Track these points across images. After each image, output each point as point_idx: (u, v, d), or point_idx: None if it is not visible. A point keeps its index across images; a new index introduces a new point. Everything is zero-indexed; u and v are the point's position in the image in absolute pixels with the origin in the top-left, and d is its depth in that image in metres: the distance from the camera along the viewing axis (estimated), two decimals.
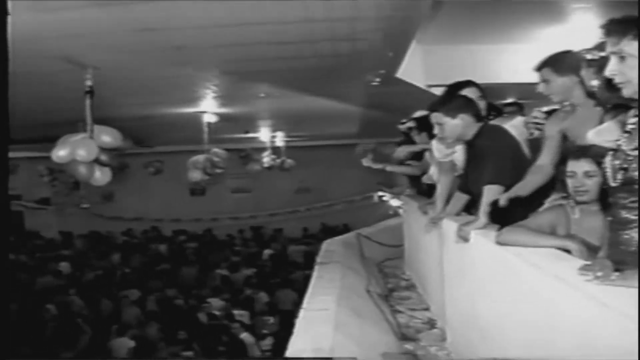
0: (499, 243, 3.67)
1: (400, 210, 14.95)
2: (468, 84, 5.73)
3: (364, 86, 11.89)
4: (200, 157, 16.19)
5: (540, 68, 4.42)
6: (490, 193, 4.47)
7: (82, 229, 30.73)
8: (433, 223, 5.58)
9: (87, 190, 24.53)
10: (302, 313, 4.66)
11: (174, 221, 31.27)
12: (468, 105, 5.10)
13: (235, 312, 14.50)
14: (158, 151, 25.48)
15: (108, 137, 9.26)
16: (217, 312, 14.76)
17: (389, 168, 8.57)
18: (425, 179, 7.40)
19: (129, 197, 31.11)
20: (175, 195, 30.62)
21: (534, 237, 3.52)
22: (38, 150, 22.70)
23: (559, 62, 4.36)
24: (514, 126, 5.31)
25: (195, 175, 16.27)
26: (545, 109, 5.00)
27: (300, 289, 16.01)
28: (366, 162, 8.56)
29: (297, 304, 14.20)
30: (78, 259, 23.21)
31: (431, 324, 5.91)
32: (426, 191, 7.25)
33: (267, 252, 23.05)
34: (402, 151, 7.88)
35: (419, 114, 7.42)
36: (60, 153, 9.27)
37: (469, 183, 5.20)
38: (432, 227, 5.64)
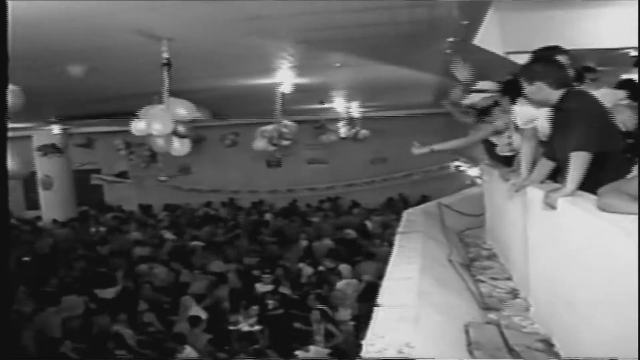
0: (601, 208, 3.56)
1: (478, 180, 14.78)
2: (554, 50, 5.59)
3: (440, 54, 11.73)
4: (267, 128, 16.20)
5: None
6: (579, 160, 4.35)
7: (161, 201, 31.20)
8: (516, 190, 5.47)
9: (165, 163, 24.82)
10: (385, 282, 4.61)
11: (251, 193, 31.51)
12: (545, 72, 4.95)
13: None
14: (234, 123, 25.60)
15: (183, 109, 9.29)
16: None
17: (436, 147, 8.42)
18: (498, 150, 7.27)
19: (206, 169, 31.47)
20: (251, 167, 30.83)
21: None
22: (115, 124, 23.03)
23: None
24: (603, 95, 5.18)
25: (261, 145, 16.28)
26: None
27: (381, 260, 16.10)
28: (415, 149, 8.41)
29: (380, 275, 14.24)
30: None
31: (514, 293, 5.82)
32: (505, 160, 7.12)
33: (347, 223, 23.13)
34: (476, 97, 7.64)
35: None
36: (138, 126, 9.35)
37: (554, 149, 5.07)
38: (515, 194, 5.53)
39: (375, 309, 3.91)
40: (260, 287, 15.15)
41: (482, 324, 4.70)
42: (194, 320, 13.25)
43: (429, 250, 6.07)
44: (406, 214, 8.82)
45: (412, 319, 3.61)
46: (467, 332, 4.27)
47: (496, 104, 7.14)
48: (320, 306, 13.30)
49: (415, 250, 5.78)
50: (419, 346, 3.16)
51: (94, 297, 15.09)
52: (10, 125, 5.62)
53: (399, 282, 4.55)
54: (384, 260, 15.04)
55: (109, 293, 15.38)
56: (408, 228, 7.32)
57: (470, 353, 3.87)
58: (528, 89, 5.00)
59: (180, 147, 9.67)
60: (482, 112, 7.57)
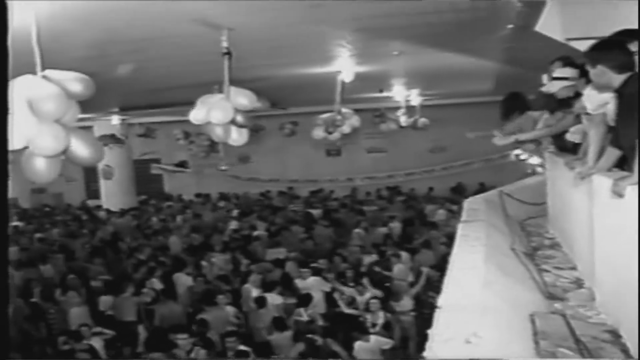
0: None
1: (539, 168, 14.59)
2: (626, 34, 5.47)
3: (500, 41, 11.64)
4: (324, 116, 16.18)
5: None
6: None
7: (220, 190, 31.42)
8: (582, 178, 5.38)
9: (224, 153, 24.97)
10: (449, 272, 4.57)
11: (310, 182, 31.55)
12: (608, 55, 4.86)
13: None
14: (293, 112, 25.63)
15: (243, 98, 9.32)
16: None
17: (522, 137, 8.29)
18: (569, 137, 7.13)
19: (265, 158, 31.61)
20: (310, 156, 30.92)
21: None
22: (175, 114, 23.20)
23: None
24: None
25: (319, 134, 16.28)
26: None
27: (440, 249, 16.04)
28: (497, 140, 8.29)
29: (436, 265, 14.15)
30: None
31: (578, 283, 5.74)
32: (571, 148, 6.99)
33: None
34: (556, 85, 7.42)
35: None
36: (197, 115, 9.39)
37: (619, 136, 4.97)
38: (580, 183, 5.44)
39: (440, 298, 3.88)
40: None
41: (547, 313, 4.64)
42: (260, 301, 13.56)
43: (492, 239, 6.01)
44: (467, 203, 8.76)
45: (478, 308, 3.57)
46: (532, 322, 4.22)
47: (577, 94, 6.95)
48: (378, 296, 13.30)
49: (479, 240, 5.73)
50: (486, 336, 3.13)
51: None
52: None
53: (464, 271, 4.51)
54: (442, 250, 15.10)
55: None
56: (470, 217, 7.26)
57: (536, 343, 3.82)
58: (592, 72, 4.94)
59: (238, 136, 9.71)
60: (563, 102, 7.41)
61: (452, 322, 3.35)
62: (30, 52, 5.87)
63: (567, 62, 7.20)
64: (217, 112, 9.01)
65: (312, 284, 14.30)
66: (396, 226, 20.53)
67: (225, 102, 9.14)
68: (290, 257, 16.84)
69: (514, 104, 8.94)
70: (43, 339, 13.22)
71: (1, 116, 3.22)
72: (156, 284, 15.25)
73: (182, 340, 11.49)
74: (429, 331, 3.19)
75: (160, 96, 18.62)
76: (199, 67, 12.18)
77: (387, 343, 11.96)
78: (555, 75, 7.10)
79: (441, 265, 13.59)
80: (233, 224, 22.24)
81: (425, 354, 2.89)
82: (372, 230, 19.83)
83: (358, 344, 11.65)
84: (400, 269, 15.06)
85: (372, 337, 11.79)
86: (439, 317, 3.48)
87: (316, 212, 23.94)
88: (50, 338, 13.31)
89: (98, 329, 12.88)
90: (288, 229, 20.78)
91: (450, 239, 15.72)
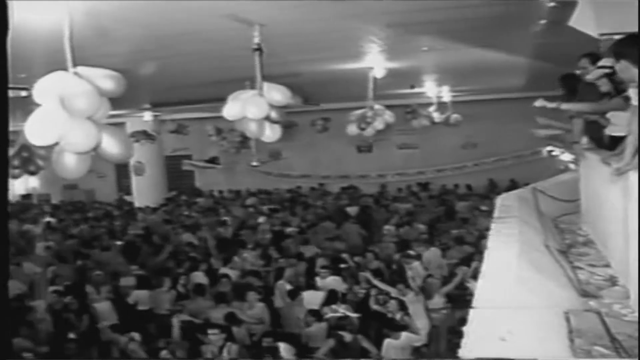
0: None
1: (571, 165, 14.48)
2: None
3: (532, 36, 11.56)
4: (358, 113, 16.16)
5: None
6: None
7: (251, 187, 31.51)
8: (619, 175, 5.31)
9: (256, 149, 25.07)
10: (483, 268, 4.54)
11: (341, 178, 31.57)
12: (629, 50, 4.83)
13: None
14: (324, 109, 25.61)
15: (278, 94, 9.30)
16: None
17: (564, 106, 8.14)
18: (608, 131, 7.03)
19: (297, 154, 31.65)
20: (342, 152, 30.94)
21: None
22: (206, 110, 23.28)
23: None
24: None
25: (353, 130, 16.26)
26: None
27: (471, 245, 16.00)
28: (539, 102, 8.16)
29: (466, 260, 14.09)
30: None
31: (613, 281, 5.67)
32: (607, 144, 6.90)
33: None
34: (597, 73, 7.30)
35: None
36: (231, 110, 9.37)
37: None
38: (616, 179, 5.38)
39: (474, 294, 3.86)
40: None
41: (582, 311, 4.59)
42: (294, 294, 13.73)
43: (525, 235, 5.96)
44: (500, 199, 8.70)
45: (512, 305, 3.55)
46: (567, 320, 4.18)
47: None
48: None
49: (512, 236, 5.68)
50: (520, 333, 3.10)
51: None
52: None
53: (497, 267, 4.48)
54: (474, 245, 15.03)
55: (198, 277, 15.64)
56: (503, 213, 7.21)
57: (571, 341, 3.78)
58: (617, 66, 4.92)
59: (271, 132, 9.70)
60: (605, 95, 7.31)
61: (487, 319, 3.33)
62: (63, 49, 5.88)
63: (595, 58, 7.15)
64: (252, 108, 8.98)
65: (330, 284, 14.21)
66: (426, 222, 20.46)
67: (260, 97, 9.12)
68: (321, 253, 16.83)
69: (573, 83, 8.77)
70: (85, 332, 13.25)
71: (1, 116, 3.22)
72: (197, 277, 15.44)
73: (214, 335, 11.51)
74: (464, 328, 3.16)
75: (191, 92, 18.70)
76: (230, 63, 12.20)
77: (418, 340, 11.88)
78: (600, 64, 7.03)
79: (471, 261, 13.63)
80: (262, 220, 22.27)
81: (460, 351, 2.86)
82: (404, 227, 19.76)
83: (387, 342, 11.56)
84: (416, 266, 15.00)
85: (403, 334, 11.69)
86: (473, 314, 3.45)
87: (348, 208, 23.90)
88: (93, 330, 13.37)
89: None
90: (319, 225, 20.78)
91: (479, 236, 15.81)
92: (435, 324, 12.89)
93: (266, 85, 9.18)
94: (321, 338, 12.11)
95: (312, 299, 13.67)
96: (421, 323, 12.49)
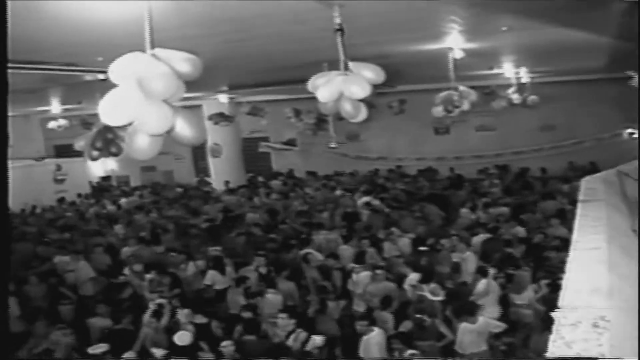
0: None
1: None
2: None
3: (615, 15, 11.28)
4: (442, 94, 15.99)
5: None
6: None
7: (327, 169, 31.54)
8: None
9: (334, 131, 25.04)
10: (572, 252, 4.42)
11: (418, 160, 31.44)
12: None
13: None
14: (401, 90, 25.43)
15: (370, 73, 9.05)
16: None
17: None
18: None
19: (374, 136, 31.58)
20: (419, 134, 30.83)
21: None
22: (284, 92, 23.33)
23: None
24: None
25: (439, 112, 16.10)
26: None
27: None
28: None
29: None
30: None
31: None
32: None
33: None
34: None
35: None
36: (327, 91, 9.08)
37: None
38: None
39: (564, 278, 3.75)
40: None
41: None
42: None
43: (612, 220, 5.79)
44: (585, 182, 8.50)
45: (604, 290, 3.43)
46: None
47: None
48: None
49: (600, 220, 5.53)
50: (614, 320, 2.99)
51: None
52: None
53: (587, 252, 4.35)
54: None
55: None
56: (589, 196, 7.04)
57: None
58: None
59: (357, 113, 9.49)
60: None
61: (578, 304, 3.22)
62: (140, 31, 5.88)
63: None
64: (354, 87, 8.72)
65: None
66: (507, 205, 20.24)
67: (357, 76, 8.89)
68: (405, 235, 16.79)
69: None
70: None
71: (1, 115, 3.20)
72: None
73: (283, 320, 11.51)
74: (554, 314, 3.06)
75: (269, 74, 18.73)
76: (306, 45, 12.17)
77: (497, 326, 11.64)
78: None
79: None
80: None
81: (552, 337, 2.77)
82: (483, 209, 19.56)
83: (463, 325, 11.40)
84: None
85: (480, 319, 11.49)
86: (563, 298, 3.35)
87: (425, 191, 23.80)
88: None
89: None
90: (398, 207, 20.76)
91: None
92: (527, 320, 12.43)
93: (354, 65, 8.94)
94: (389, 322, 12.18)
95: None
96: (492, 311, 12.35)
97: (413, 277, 13.65)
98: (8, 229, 3.19)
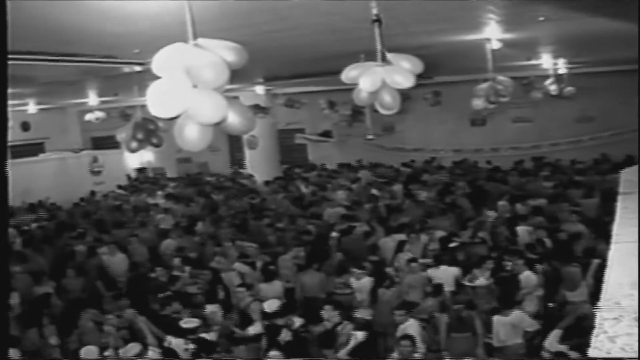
0: None
1: None
2: None
3: None
4: (484, 85, 15.88)
5: None
6: None
7: (363, 160, 31.52)
8: None
9: (370, 122, 25.00)
10: (613, 245, 4.36)
11: (455, 151, 31.33)
12: None
13: None
14: (437, 82, 25.30)
15: (408, 63, 8.95)
16: None
17: None
18: None
19: (409, 128, 31.53)
20: (455, 125, 30.71)
21: None
22: (319, 84, 23.31)
23: None
24: None
25: (479, 103, 15.99)
26: None
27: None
28: None
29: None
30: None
31: None
32: None
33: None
34: None
35: None
36: (369, 82, 8.95)
37: None
38: None
39: (606, 272, 3.70)
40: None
41: None
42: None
43: None
44: (624, 174, 8.41)
45: None
46: None
47: None
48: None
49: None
50: None
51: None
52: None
53: (628, 245, 4.30)
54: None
55: None
56: (629, 189, 6.96)
57: None
58: None
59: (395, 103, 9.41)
60: None
61: (621, 298, 3.19)
62: (176, 22, 5.86)
63: None
64: (397, 77, 8.61)
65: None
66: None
67: (397, 67, 8.79)
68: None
69: None
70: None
71: (1, 115, 3.20)
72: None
73: (329, 312, 11.42)
74: (595, 308, 3.04)
75: (305, 66, 18.72)
76: (343, 36, 12.14)
77: (531, 324, 11.45)
78: None
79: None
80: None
81: (595, 331, 2.74)
82: (516, 203, 19.37)
83: (496, 318, 11.33)
84: None
85: (514, 312, 11.37)
86: (606, 291, 3.32)
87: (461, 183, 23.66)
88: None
89: None
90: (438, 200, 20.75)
91: None
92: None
93: (392, 56, 8.86)
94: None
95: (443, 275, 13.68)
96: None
97: (452, 270, 13.59)
98: (8, 228, 3.21)
